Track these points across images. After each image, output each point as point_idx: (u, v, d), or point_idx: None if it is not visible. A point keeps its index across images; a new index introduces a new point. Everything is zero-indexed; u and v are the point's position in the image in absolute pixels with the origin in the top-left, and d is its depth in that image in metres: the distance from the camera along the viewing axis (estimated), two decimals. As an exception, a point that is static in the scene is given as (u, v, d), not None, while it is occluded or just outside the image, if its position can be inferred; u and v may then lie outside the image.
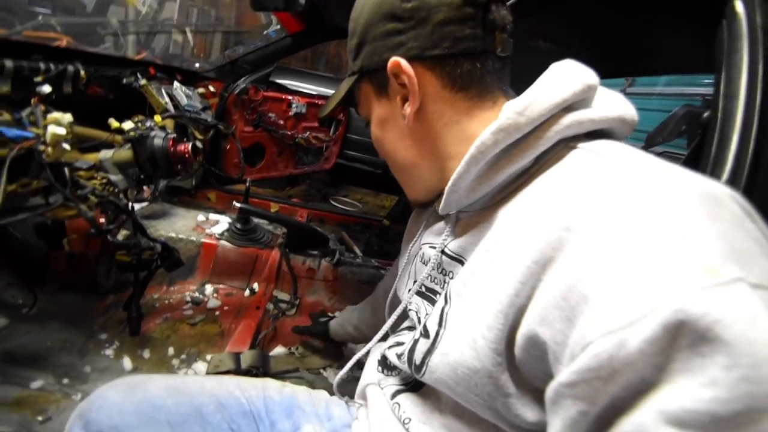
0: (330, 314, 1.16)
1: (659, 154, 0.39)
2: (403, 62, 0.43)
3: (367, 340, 0.58)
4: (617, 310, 0.26)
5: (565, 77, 0.40)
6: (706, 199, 0.29)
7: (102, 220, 0.95)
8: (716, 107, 0.63)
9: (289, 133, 1.96)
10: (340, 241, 1.73)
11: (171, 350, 1.10)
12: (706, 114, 0.71)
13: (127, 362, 1.03)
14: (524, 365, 0.35)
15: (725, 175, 0.57)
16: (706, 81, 3.20)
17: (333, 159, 2.39)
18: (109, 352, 1.05)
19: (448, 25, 0.42)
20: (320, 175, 2.77)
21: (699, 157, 0.63)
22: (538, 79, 0.48)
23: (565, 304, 0.29)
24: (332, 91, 0.59)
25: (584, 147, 0.38)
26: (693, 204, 0.28)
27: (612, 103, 0.41)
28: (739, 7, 0.65)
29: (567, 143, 0.40)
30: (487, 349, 0.36)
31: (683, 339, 0.24)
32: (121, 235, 0.96)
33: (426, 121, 0.46)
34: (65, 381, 0.93)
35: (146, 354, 1.07)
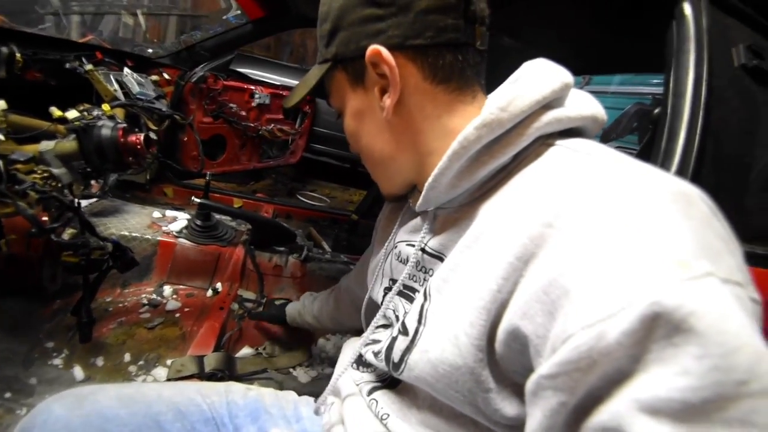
0: (285, 298, 1.15)
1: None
2: (384, 51, 0.41)
3: (326, 331, 0.56)
4: (596, 303, 0.27)
5: (544, 75, 0.41)
6: (679, 198, 0.30)
7: (45, 218, 0.87)
8: (666, 104, 0.66)
9: (252, 124, 1.89)
10: (307, 236, 1.70)
11: (127, 356, 1.03)
12: (656, 110, 0.75)
13: (78, 371, 0.96)
14: (504, 360, 0.36)
15: (674, 167, 0.61)
16: (655, 81, 3.42)
17: (299, 153, 2.33)
18: (58, 361, 0.97)
19: (431, 13, 0.41)
20: (286, 169, 2.70)
21: (650, 150, 0.67)
22: (512, 75, 0.48)
23: (546, 298, 0.30)
24: (297, 83, 0.56)
25: (562, 144, 0.39)
26: (667, 202, 0.30)
27: (585, 102, 0.42)
28: (688, 10, 0.69)
29: (544, 140, 0.40)
30: (469, 345, 0.36)
31: (659, 330, 0.24)
32: (67, 234, 0.88)
33: (405, 113, 0.45)
34: (8, 395, 0.85)
35: (99, 362, 1.00)
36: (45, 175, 0.81)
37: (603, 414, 0.26)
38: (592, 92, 0.44)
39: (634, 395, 0.25)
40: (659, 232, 0.28)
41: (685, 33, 0.67)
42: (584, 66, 1.46)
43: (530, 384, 0.30)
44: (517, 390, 0.36)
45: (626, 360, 0.25)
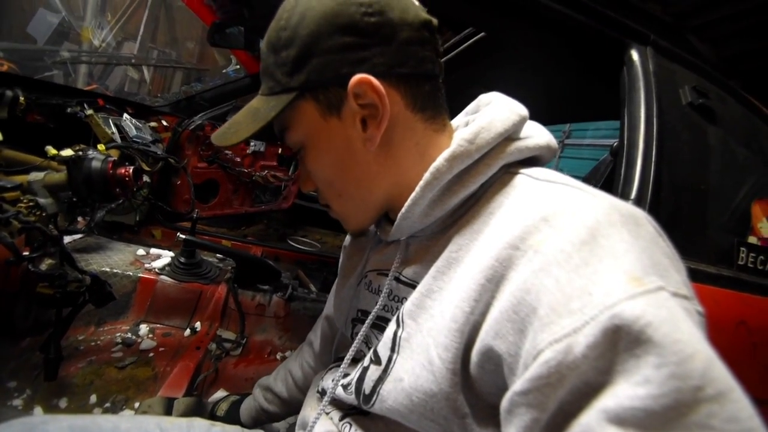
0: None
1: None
2: (374, 80, 0.40)
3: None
4: (562, 319, 0.28)
5: (505, 109, 0.44)
6: (628, 220, 0.33)
7: (26, 253, 0.87)
8: (623, 137, 0.72)
9: (246, 170, 1.95)
10: (295, 278, 1.68)
11: (93, 398, 0.97)
12: (615, 143, 0.81)
13: (38, 413, 0.90)
14: (479, 382, 0.36)
15: (633, 192, 0.64)
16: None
17: (292, 198, 2.38)
18: (18, 402, 0.92)
19: (412, 45, 0.42)
20: (278, 214, 2.73)
21: (612, 178, 0.71)
22: (470, 106, 0.52)
23: (516, 317, 0.31)
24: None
25: (524, 173, 0.42)
26: (618, 224, 0.32)
27: (539, 133, 0.46)
28: (635, 56, 0.77)
29: (507, 169, 0.43)
30: (444, 369, 0.36)
31: (621, 343, 0.26)
32: (46, 264, 0.87)
33: (386, 143, 0.44)
34: (-45, 438, 0.79)
35: (63, 403, 0.94)
36: (30, 204, 0.83)
37: (574, 428, 0.26)
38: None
39: (601, 407, 0.25)
40: (613, 251, 0.30)
41: (635, 75, 0.75)
42: (554, 114, 1.57)
43: (505, 402, 0.31)
44: (492, 413, 0.35)
45: (593, 373, 0.26)
